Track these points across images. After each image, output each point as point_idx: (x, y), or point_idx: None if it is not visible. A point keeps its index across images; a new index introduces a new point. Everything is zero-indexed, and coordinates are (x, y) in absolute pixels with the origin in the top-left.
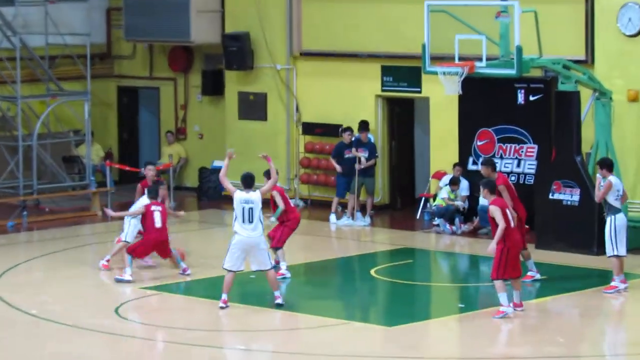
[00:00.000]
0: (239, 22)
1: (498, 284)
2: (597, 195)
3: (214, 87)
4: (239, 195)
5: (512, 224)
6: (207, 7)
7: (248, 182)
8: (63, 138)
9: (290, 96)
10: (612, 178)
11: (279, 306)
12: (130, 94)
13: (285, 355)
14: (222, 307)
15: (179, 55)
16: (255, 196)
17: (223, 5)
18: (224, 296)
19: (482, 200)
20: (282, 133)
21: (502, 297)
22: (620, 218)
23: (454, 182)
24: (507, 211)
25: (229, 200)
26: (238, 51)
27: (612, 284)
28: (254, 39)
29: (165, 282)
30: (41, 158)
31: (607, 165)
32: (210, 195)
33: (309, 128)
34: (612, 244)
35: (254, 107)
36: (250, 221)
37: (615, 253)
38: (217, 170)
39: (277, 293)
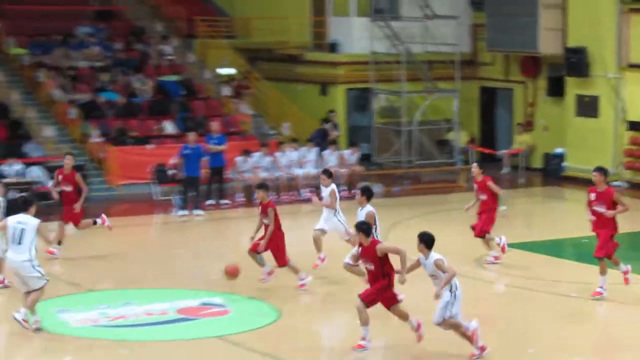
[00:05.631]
0: (578, 38)
1: None
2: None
3: (556, 89)
4: (10, 220)
5: None
6: (552, 25)
7: (23, 206)
8: (437, 125)
9: (619, 100)
10: (435, 254)
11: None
12: (489, 93)
13: None
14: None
15: (529, 64)
16: (31, 221)
17: (565, 24)
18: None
19: None
20: (610, 129)
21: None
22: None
23: None
24: None
25: (568, 181)
26: (577, 62)
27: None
28: (590, 52)
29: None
30: (420, 140)
31: (426, 241)
32: (552, 175)
33: (634, 125)
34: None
35: (588, 107)
36: (19, 243)
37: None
38: (558, 156)
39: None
